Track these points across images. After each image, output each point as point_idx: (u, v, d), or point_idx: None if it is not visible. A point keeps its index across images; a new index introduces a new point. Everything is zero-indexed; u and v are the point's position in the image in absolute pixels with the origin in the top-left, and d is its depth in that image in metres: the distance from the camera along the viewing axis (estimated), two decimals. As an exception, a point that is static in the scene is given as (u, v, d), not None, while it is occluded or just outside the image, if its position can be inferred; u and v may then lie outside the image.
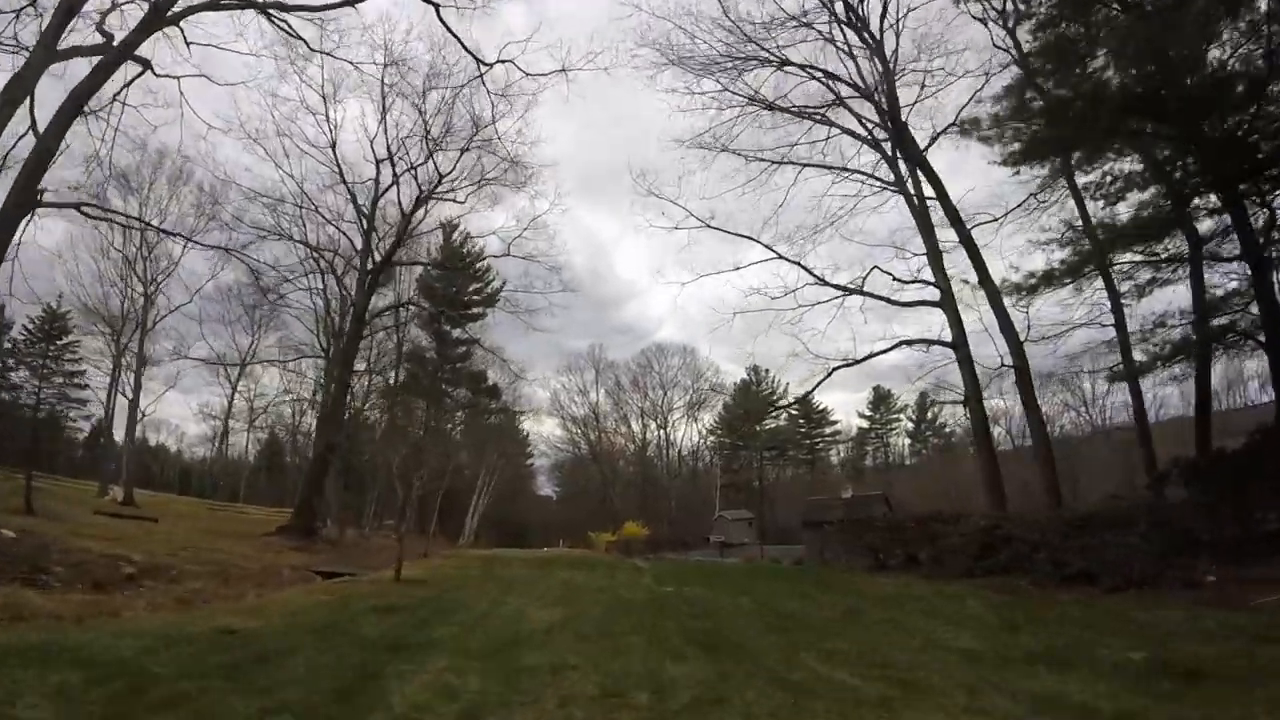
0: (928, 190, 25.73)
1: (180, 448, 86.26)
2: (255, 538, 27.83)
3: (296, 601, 12.29)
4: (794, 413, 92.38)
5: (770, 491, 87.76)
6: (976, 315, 24.15)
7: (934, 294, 26.02)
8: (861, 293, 26.69)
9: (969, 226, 23.62)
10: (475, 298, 52.88)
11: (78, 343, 57.71)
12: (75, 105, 17.11)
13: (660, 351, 77.37)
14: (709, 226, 28.31)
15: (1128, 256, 22.05)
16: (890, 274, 24.98)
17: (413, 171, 32.92)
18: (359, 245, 33.00)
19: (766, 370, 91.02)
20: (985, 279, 22.91)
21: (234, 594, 15.10)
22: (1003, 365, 22.47)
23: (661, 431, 76.81)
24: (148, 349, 46.00)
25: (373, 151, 32.49)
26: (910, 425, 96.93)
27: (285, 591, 14.53)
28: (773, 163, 29.07)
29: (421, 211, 33.99)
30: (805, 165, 29.05)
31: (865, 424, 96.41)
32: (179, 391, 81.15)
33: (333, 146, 31.92)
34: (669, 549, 50.92)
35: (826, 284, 27.01)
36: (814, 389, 25.81)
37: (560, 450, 76.45)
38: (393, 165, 32.66)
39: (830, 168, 28.87)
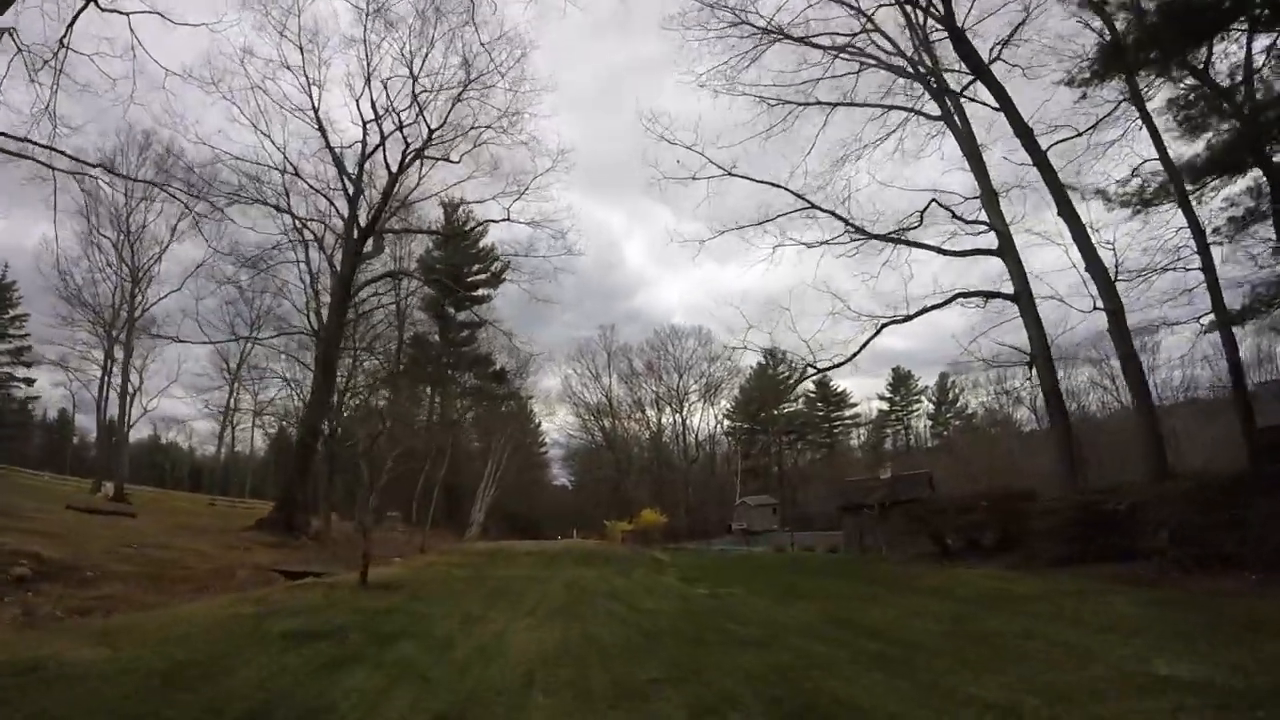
0: (981, 113, 21.89)
1: (191, 445, 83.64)
2: (232, 533, 24.49)
3: (197, 618, 8.75)
4: (813, 392, 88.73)
5: (789, 477, 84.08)
6: (1039, 265, 20.28)
7: (990, 241, 22.20)
8: (907, 242, 22.86)
9: (1045, 148, 19.67)
10: (480, 277, 49.32)
11: (26, 316, 54.57)
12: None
13: (674, 334, 73.13)
14: (731, 175, 24.52)
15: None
16: (949, 208, 21.14)
17: (401, 131, 29.35)
18: (346, 213, 29.47)
19: (784, 353, 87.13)
20: (1066, 208, 18.99)
21: (147, 602, 11.72)
22: (1095, 309, 18.51)
23: (677, 416, 72.90)
24: (141, 341, 43.16)
25: (359, 112, 28.98)
26: (930, 407, 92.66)
27: (204, 601, 11.04)
28: (797, 104, 25.21)
29: (413, 173, 30.41)
30: (836, 105, 25.19)
31: (885, 406, 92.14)
32: (182, 387, 77.88)
33: (315, 110, 28.40)
34: (688, 538, 47.33)
35: (866, 234, 23.20)
36: (862, 348, 21.97)
37: (574, 437, 72.68)
38: (379, 125, 29.12)
39: (864, 104, 25.00)
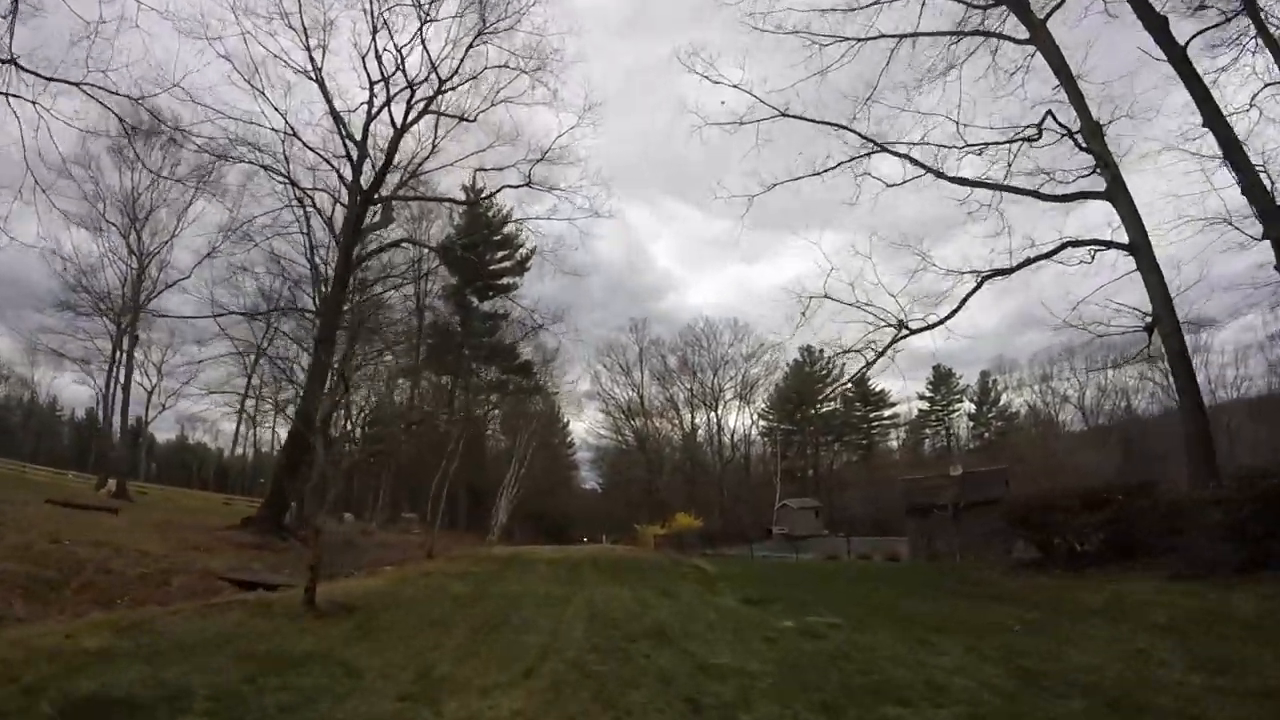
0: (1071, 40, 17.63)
1: (219, 445, 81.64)
2: (214, 531, 21.15)
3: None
4: (851, 391, 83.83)
5: (825, 479, 79.19)
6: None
7: (1096, 183, 17.90)
8: (997, 186, 18.64)
9: (1184, 41, 15.31)
10: (504, 264, 45.89)
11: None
12: None
13: (709, 327, 68.34)
14: (785, 115, 20.53)
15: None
16: (1066, 127, 16.96)
17: (411, 89, 25.97)
18: (349, 178, 26.07)
19: (820, 350, 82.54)
20: (1215, 117, 14.68)
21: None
22: (1264, 236, 14.13)
23: (711, 415, 68.47)
24: (149, 326, 40.55)
25: (365, 70, 25.60)
26: (971, 407, 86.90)
27: (47, 624, 7.35)
28: (856, 40, 21.19)
29: (426, 136, 26.91)
30: (902, 37, 21.11)
31: (925, 405, 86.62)
32: (200, 385, 75.69)
33: (317, 71, 25.05)
34: (724, 542, 43.16)
35: (946, 177, 19.07)
36: (961, 304, 17.56)
37: (603, 437, 68.32)
38: (387, 85, 25.74)
39: (935, 33, 20.86)
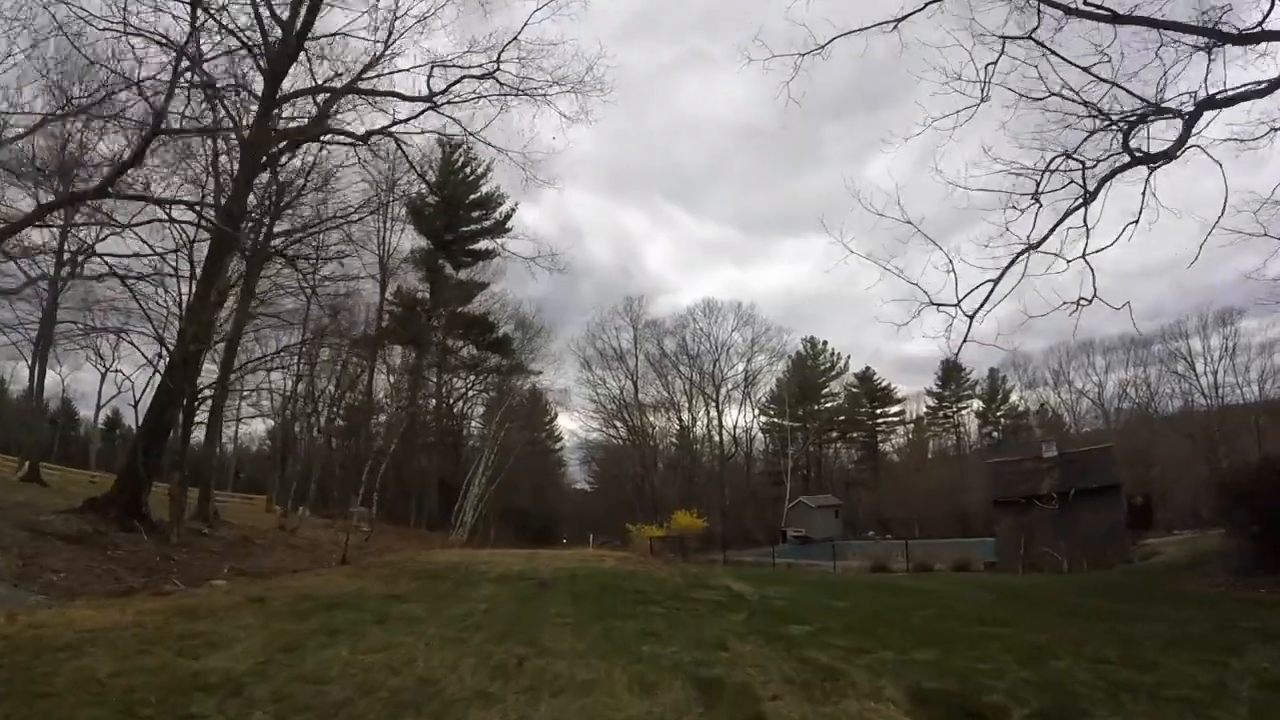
0: None
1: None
2: (39, 515, 14.16)
3: None
4: (855, 387, 77.32)
5: (835, 475, 72.59)
6: None
7: None
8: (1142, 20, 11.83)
9: None
10: (481, 224, 38.97)
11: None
12: None
13: (710, 310, 60.86)
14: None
15: None
16: None
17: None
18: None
19: (824, 342, 76.06)
20: None
21: None
22: None
23: (710, 406, 61.31)
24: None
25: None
26: (979, 405, 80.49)
27: None
28: None
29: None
30: None
31: (933, 402, 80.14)
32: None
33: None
34: (733, 546, 36.30)
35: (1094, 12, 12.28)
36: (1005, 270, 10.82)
37: (594, 430, 60.73)
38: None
39: None
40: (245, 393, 24.11)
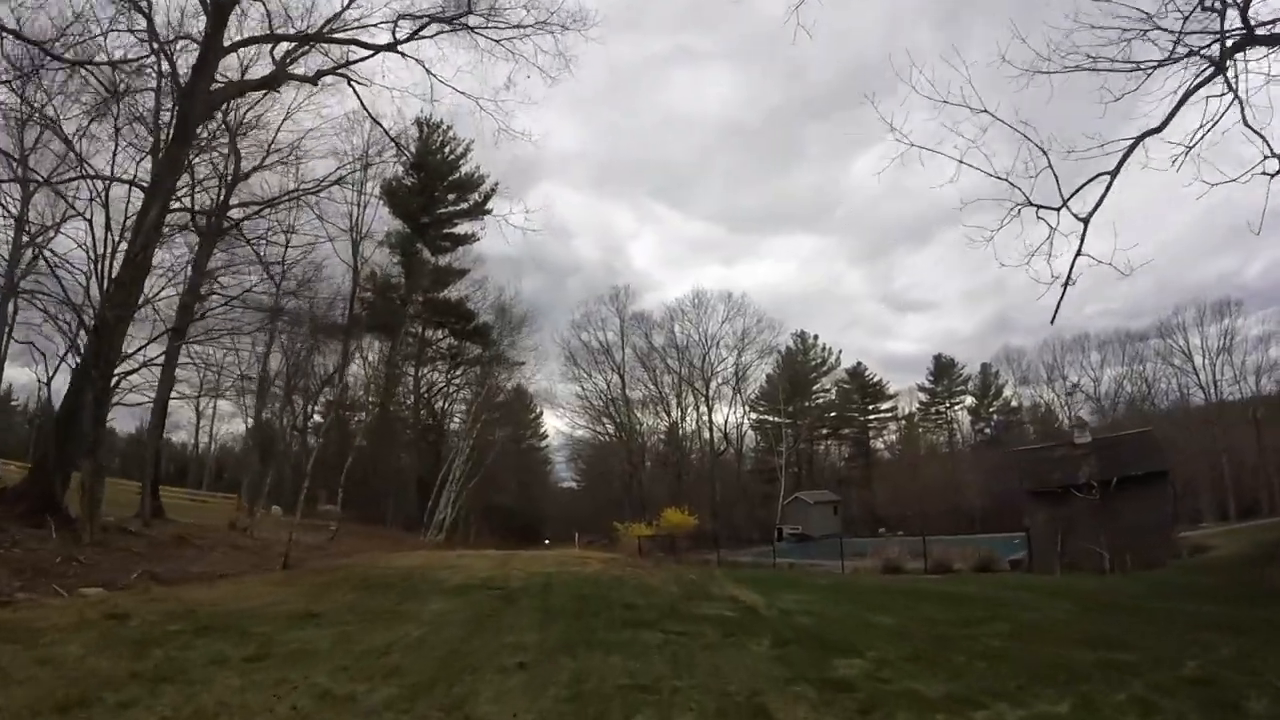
0: None
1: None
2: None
3: None
4: (847, 383, 75.49)
5: (829, 472, 70.66)
6: None
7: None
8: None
9: None
10: (459, 206, 36.60)
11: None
12: None
13: (700, 301, 58.30)
14: None
15: None
16: None
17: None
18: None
19: (815, 336, 74.10)
20: None
21: None
22: None
23: (700, 401, 58.92)
24: None
25: None
26: (972, 400, 78.85)
27: None
28: None
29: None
30: None
31: (925, 398, 78.44)
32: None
33: None
34: (725, 545, 34.18)
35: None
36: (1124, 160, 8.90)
37: (579, 425, 58.06)
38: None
39: None
40: (181, 364, 21.49)
